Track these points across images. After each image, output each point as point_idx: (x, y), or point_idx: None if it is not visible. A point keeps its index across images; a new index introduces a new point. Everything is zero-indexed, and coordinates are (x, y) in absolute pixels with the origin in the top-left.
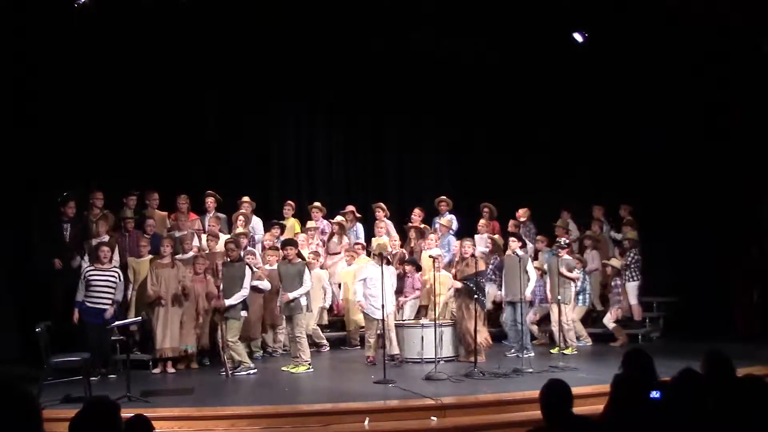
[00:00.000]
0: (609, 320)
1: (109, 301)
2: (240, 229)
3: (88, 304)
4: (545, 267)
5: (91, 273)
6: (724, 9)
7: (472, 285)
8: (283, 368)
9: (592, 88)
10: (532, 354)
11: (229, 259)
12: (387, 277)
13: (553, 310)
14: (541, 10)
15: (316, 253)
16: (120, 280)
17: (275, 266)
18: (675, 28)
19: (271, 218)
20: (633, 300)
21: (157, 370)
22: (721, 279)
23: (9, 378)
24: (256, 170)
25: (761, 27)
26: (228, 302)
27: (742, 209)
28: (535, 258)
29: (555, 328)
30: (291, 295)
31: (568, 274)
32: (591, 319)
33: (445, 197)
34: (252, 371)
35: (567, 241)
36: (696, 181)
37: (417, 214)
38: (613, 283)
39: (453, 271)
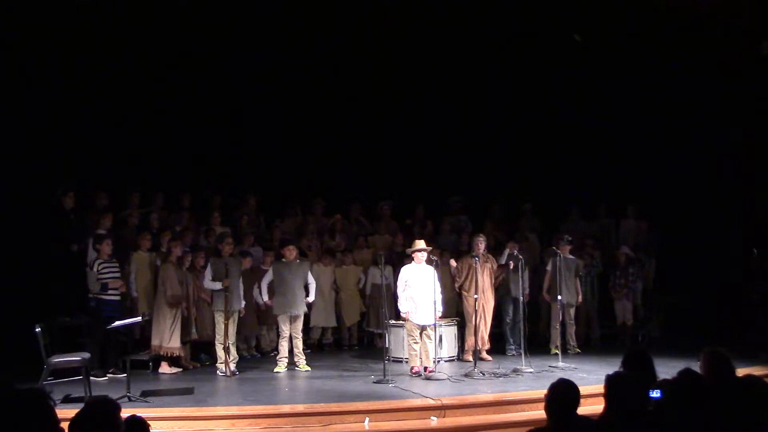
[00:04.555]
0: (626, 310)
1: (118, 291)
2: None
3: (106, 297)
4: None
5: (104, 266)
6: (725, 10)
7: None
8: (297, 367)
9: (593, 87)
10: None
11: (226, 254)
12: (430, 278)
13: (555, 310)
14: (542, 10)
15: (324, 247)
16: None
17: (269, 268)
18: (675, 28)
19: (272, 219)
20: (636, 300)
21: (166, 370)
22: (722, 279)
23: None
24: (256, 170)
25: (761, 28)
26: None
27: (743, 210)
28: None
29: (556, 328)
30: (311, 299)
31: (577, 286)
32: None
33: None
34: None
35: (570, 238)
36: (696, 182)
37: (420, 212)
38: (631, 270)
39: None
